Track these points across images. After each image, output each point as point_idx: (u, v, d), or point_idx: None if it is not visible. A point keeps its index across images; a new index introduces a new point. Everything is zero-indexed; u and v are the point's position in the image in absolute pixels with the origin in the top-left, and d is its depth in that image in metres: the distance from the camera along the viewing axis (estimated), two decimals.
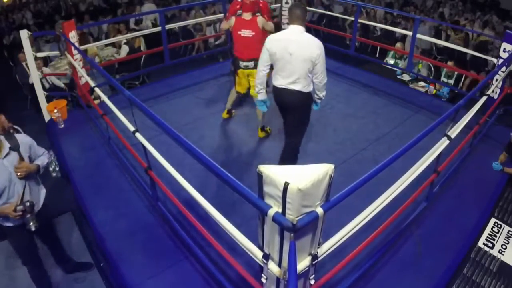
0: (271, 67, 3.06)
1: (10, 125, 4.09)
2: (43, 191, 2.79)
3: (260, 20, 3.75)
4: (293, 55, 2.81)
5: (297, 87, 2.92)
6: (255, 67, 3.33)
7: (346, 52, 5.73)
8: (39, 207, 2.69)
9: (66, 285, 2.86)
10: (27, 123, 4.98)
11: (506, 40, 4.04)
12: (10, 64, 7.72)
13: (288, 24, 2.99)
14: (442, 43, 6.03)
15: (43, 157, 2.72)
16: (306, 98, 3.01)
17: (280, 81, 2.98)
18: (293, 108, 3.06)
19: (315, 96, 3.10)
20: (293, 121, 3.13)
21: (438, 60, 7.30)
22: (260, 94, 3.15)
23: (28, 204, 2.41)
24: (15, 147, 2.47)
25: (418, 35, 5.03)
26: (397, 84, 5.51)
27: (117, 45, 7.17)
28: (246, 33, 3.71)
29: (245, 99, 4.74)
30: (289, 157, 3.22)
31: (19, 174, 2.43)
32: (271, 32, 3.44)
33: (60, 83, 5.87)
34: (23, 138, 2.59)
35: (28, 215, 2.43)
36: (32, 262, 2.76)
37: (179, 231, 2.70)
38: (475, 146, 3.66)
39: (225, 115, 4.33)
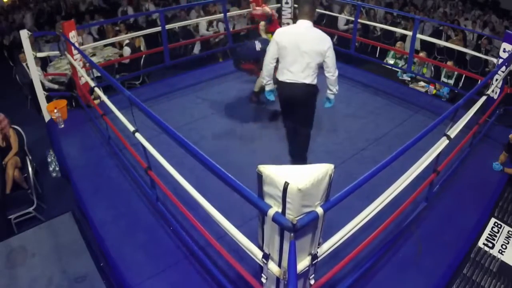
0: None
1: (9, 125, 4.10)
2: None
3: None
4: (304, 49, 2.82)
5: (307, 80, 2.92)
6: None
7: (346, 52, 5.72)
8: None
9: (66, 285, 2.84)
10: (27, 123, 4.96)
11: (506, 40, 4.04)
12: (10, 64, 7.72)
13: (295, 19, 3.04)
14: (442, 43, 6.03)
15: None
16: (314, 91, 3.02)
17: (288, 76, 2.95)
18: (302, 102, 3.02)
19: (328, 91, 3.12)
20: (303, 116, 3.10)
21: (438, 60, 7.29)
22: (268, 85, 3.17)
23: None
24: None
25: (418, 35, 5.02)
26: (397, 84, 5.51)
27: (117, 45, 7.17)
28: None
29: (244, 99, 4.74)
30: (300, 154, 3.23)
31: None
32: None
33: (53, 86, 5.79)
34: None
35: None
36: None
37: (179, 231, 2.71)
38: (474, 146, 3.65)
39: None
